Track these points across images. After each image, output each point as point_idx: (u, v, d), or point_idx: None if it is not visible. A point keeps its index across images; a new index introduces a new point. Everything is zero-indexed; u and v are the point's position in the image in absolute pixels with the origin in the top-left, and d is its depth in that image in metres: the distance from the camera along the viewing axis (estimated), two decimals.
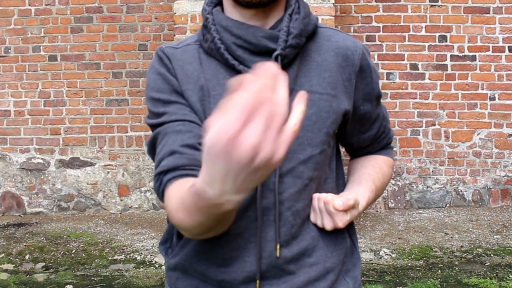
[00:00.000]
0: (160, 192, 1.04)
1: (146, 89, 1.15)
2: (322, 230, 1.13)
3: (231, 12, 1.12)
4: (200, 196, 0.75)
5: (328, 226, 1.10)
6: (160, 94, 1.10)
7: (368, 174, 1.24)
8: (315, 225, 1.13)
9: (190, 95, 1.09)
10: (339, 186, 1.22)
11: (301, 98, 0.67)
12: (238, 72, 1.08)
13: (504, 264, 3.94)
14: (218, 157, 0.64)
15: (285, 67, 1.09)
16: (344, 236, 1.19)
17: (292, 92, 1.09)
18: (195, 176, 0.95)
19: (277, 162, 0.64)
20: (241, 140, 0.61)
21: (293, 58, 1.10)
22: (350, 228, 1.22)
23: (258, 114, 0.61)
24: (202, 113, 1.08)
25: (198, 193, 0.76)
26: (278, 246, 1.08)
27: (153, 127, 1.11)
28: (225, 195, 0.70)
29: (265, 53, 1.08)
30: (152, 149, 1.12)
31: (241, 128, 0.61)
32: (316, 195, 1.12)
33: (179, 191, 0.94)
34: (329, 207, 1.08)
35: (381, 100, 1.28)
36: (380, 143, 1.32)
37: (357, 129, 1.24)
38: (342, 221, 1.08)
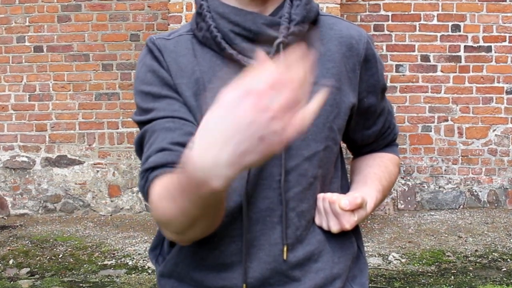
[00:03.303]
0: (145, 190, 1.03)
1: (135, 82, 1.14)
2: (328, 234, 1.12)
3: None
4: (187, 171, 0.76)
5: (334, 228, 1.09)
6: (150, 87, 1.10)
7: (374, 173, 1.23)
8: (321, 228, 1.12)
9: (184, 89, 1.08)
10: (343, 186, 1.21)
11: (323, 91, 0.74)
12: (235, 62, 1.07)
13: None
14: (231, 112, 0.69)
15: None
16: (351, 240, 1.18)
17: None
18: None
19: (283, 141, 0.69)
20: (263, 102, 0.67)
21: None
22: (355, 231, 1.21)
23: (281, 89, 0.68)
24: (197, 108, 1.07)
25: (186, 167, 0.76)
26: (285, 249, 1.07)
27: (140, 124, 1.12)
28: (217, 167, 0.72)
29: (265, 42, 1.07)
30: (139, 148, 1.12)
31: (264, 92, 0.67)
32: (320, 195, 1.11)
33: (165, 181, 0.95)
34: (335, 207, 1.07)
35: (390, 94, 1.27)
36: (385, 139, 1.31)
37: (361, 124, 1.24)
38: (349, 222, 1.07)
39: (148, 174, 1.03)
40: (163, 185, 0.95)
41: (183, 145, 1.01)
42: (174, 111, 1.06)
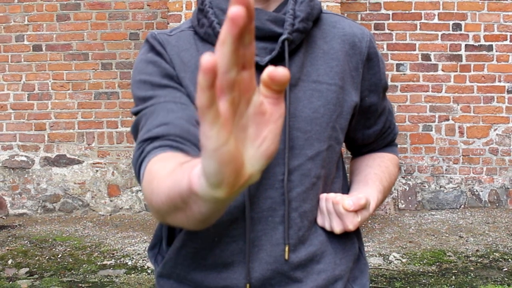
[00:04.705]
0: (140, 161, 0.96)
1: (133, 74, 1.10)
2: (330, 235, 1.12)
3: None
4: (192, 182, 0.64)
5: (337, 229, 1.08)
6: (150, 76, 1.06)
7: (374, 174, 1.23)
8: (323, 229, 1.12)
9: (188, 84, 1.06)
10: (343, 186, 1.21)
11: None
12: None
13: None
14: None
15: (291, 53, 1.08)
16: (353, 241, 1.18)
17: (298, 82, 1.09)
18: (186, 151, 0.93)
19: None
20: None
21: (298, 45, 1.10)
22: (356, 232, 1.22)
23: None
24: None
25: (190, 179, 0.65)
26: (287, 249, 1.07)
27: (138, 113, 1.06)
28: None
29: (269, 38, 1.07)
30: (136, 134, 1.06)
31: None
32: (323, 195, 1.11)
33: (163, 164, 0.85)
34: (339, 208, 1.07)
35: (391, 93, 1.28)
36: (385, 139, 1.31)
37: (362, 123, 1.24)
38: (352, 223, 1.07)
39: (145, 146, 0.96)
40: (160, 165, 0.86)
41: (188, 121, 0.97)
42: (176, 98, 1.02)
